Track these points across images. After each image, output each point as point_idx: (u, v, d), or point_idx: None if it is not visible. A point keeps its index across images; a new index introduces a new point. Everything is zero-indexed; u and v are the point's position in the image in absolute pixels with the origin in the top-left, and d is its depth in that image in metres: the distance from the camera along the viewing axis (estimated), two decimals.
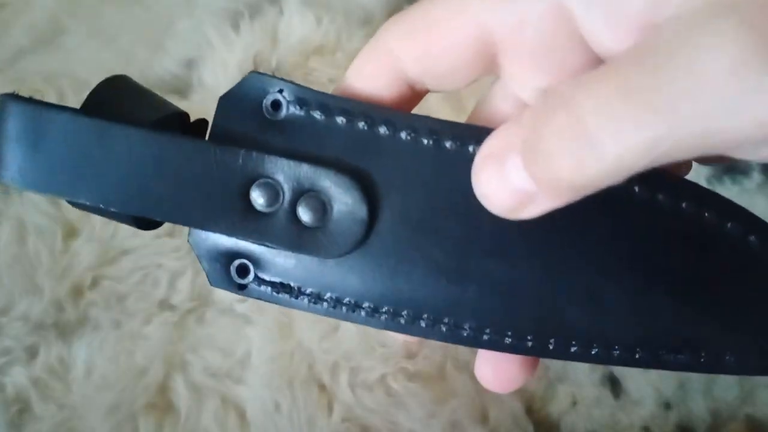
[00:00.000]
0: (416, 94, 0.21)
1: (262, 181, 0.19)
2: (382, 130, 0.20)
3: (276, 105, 0.20)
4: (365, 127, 0.20)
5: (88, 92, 0.21)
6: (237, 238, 0.20)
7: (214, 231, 0.20)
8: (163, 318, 0.44)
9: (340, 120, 0.20)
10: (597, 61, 0.18)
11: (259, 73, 0.21)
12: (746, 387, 0.48)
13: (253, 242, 0.20)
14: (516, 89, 0.20)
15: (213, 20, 0.52)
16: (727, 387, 0.48)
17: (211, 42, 0.51)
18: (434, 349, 0.45)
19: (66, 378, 0.42)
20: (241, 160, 0.19)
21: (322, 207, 0.19)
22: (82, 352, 0.43)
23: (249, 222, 0.20)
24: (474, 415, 0.44)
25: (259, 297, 0.21)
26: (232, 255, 0.21)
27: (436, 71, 0.20)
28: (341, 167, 0.19)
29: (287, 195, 0.20)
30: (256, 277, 0.21)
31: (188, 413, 0.42)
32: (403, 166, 0.20)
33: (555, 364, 0.47)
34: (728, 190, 0.48)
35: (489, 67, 0.20)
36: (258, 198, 0.19)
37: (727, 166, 0.48)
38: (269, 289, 0.21)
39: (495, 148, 0.17)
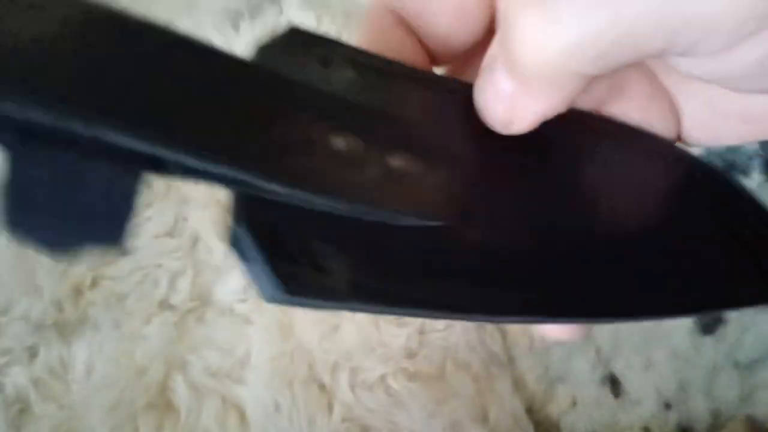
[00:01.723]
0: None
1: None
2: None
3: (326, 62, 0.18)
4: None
5: None
6: None
7: None
8: (163, 318, 0.44)
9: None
10: None
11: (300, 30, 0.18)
12: (746, 387, 0.48)
13: None
14: None
15: (213, 20, 0.52)
16: (727, 387, 0.48)
17: (211, 42, 0.51)
18: (434, 349, 0.45)
19: (66, 378, 0.42)
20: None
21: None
22: (82, 352, 0.43)
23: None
24: (474, 415, 0.44)
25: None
26: None
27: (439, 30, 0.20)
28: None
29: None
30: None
31: (188, 413, 0.42)
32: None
33: (555, 364, 0.47)
34: None
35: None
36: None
37: (727, 165, 0.48)
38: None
39: (488, 59, 0.18)
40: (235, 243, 0.15)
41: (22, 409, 0.42)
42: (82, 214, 0.13)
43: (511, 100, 0.17)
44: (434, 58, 0.20)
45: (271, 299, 0.14)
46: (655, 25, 0.14)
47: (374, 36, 0.19)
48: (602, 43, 0.14)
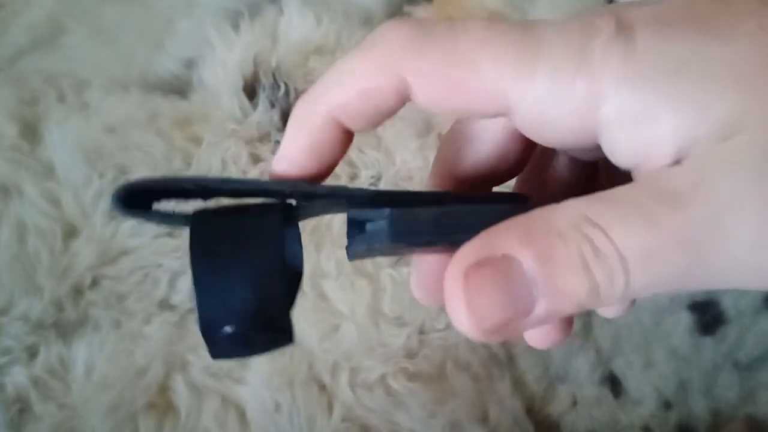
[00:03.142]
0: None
1: None
2: None
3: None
4: None
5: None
6: None
7: None
8: (163, 318, 0.44)
9: None
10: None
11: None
12: (746, 387, 0.48)
13: None
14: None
15: (213, 20, 0.52)
16: (727, 387, 0.48)
17: (211, 42, 0.51)
18: (434, 349, 0.45)
19: (66, 378, 0.42)
20: None
21: None
22: (82, 352, 0.43)
23: None
24: (474, 415, 0.44)
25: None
26: None
27: (442, 110, 0.19)
28: None
29: None
30: None
31: (188, 413, 0.42)
32: None
33: (555, 364, 0.47)
34: None
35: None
36: None
37: None
38: None
39: (494, 249, 0.16)
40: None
41: (22, 409, 0.42)
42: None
43: (525, 308, 0.16)
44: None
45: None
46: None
47: (311, 140, 0.19)
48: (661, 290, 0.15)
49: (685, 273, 0.15)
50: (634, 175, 0.17)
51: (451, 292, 0.16)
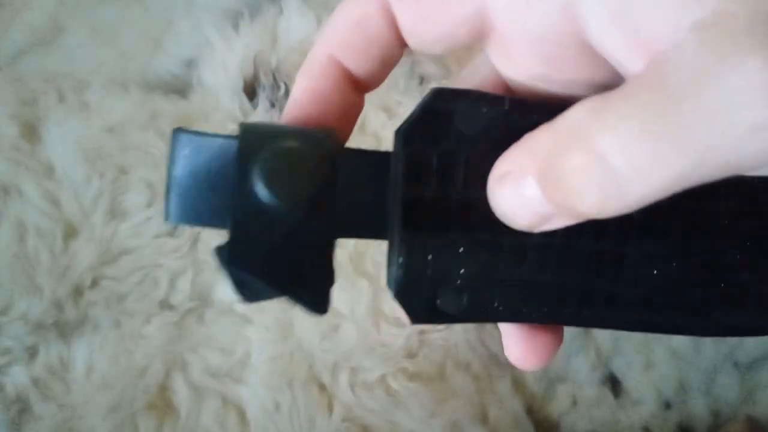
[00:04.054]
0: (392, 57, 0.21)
1: None
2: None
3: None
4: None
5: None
6: None
7: None
8: (163, 318, 0.44)
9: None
10: (597, 60, 0.18)
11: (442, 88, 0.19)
12: (746, 387, 0.48)
13: None
14: (506, 70, 0.20)
15: (213, 20, 0.52)
16: (727, 387, 0.48)
17: (211, 42, 0.51)
18: (434, 349, 0.45)
19: (66, 378, 0.42)
20: None
21: None
22: (82, 352, 0.43)
23: None
24: (474, 415, 0.44)
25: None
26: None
27: (427, 37, 0.19)
28: None
29: None
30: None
31: (188, 413, 0.42)
32: None
33: (555, 364, 0.47)
34: None
35: (482, 41, 0.20)
36: None
37: None
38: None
39: (511, 168, 0.17)
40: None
41: (22, 409, 0.42)
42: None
43: (544, 216, 0.17)
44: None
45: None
46: (727, 168, 0.15)
47: (314, 83, 0.20)
48: (666, 194, 0.15)
49: (688, 171, 0.14)
50: (626, 76, 0.17)
51: (490, 194, 0.18)
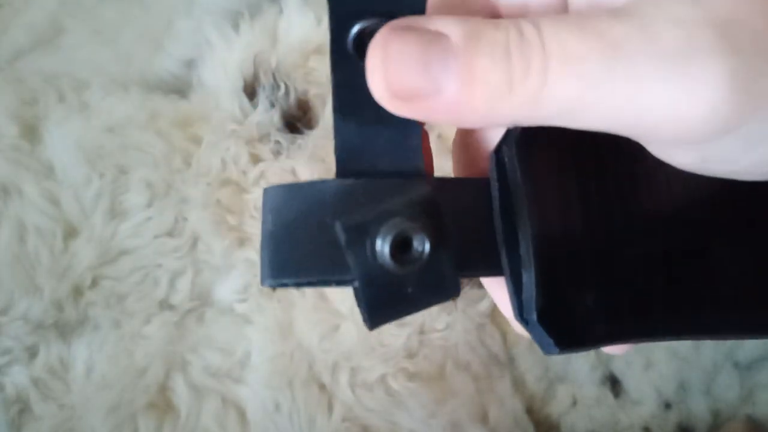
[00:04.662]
0: None
1: None
2: None
3: None
4: None
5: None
6: None
7: None
8: (163, 318, 0.44)
9: None
10: None
11: None
12: (746, 387, 0.48)
13: None
14: None
15: (213, 20, 0.52)
16: (727, 387, 0.48)
17: (211, 42, 0.51)
18: (434, 349, 0.45)
19: (66, 378, 0.42)
20: None
21: None
22: (82, 352, 0.43)
23: None
24: (474, 415, 0.44)
25: None
26: None
27: None
28: None
29: None
30: None
31: (188, 413, 0.42)
32: None
33: (555, 364, 0.47)
34: None
35: None
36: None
37: None
38: None
39: (430, 23, 0.16)
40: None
41: (22, 409, 0.42)
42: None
43: (430, 89, 0.15)
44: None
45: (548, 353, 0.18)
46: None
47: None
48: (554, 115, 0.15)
49: (601, 85, 0.14)
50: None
51: (372, 49, 0.16)
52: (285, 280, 0.18)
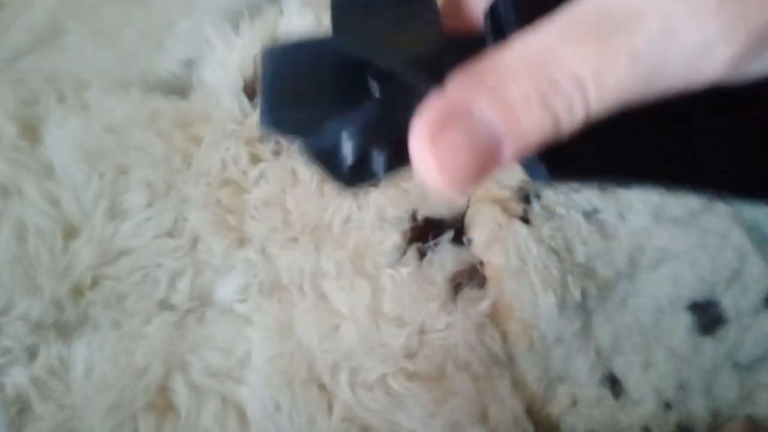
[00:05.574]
0: None
1: None
2: None
3: None
4: None
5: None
6: None
7: None
8: (163, 318, 0.44)
9: None
10: None
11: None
12: (746, 387, 0.48)
13: None
14: None
15: (213, 20, 0.52)
16: (727, 387, 0.48)
17: (211, 42, 0.51)
18: (434, 349, 0.45)
19: (66, 378, 0.42)
20: None
21: None
22: (82, 352, 0.43)
23: None
24: (474, 415, 0.44)
25: None
26: None
27: None
28: None
29: None
30: None
31: (188, 413, 0.42)
32: None
33: (555, 365, 0.47)
34: None
35: None
36: None
37: None
38: None
39: (454, 103, 0.16)
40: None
41: (22, 409, 0.42)
42: None
43: (492, 149, 0.16)
44: None
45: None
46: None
47: None
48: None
49: (638, 83, 0.15)
50: None
51: (421, 155, 0.16)
52: (283, 113, 0.18)
